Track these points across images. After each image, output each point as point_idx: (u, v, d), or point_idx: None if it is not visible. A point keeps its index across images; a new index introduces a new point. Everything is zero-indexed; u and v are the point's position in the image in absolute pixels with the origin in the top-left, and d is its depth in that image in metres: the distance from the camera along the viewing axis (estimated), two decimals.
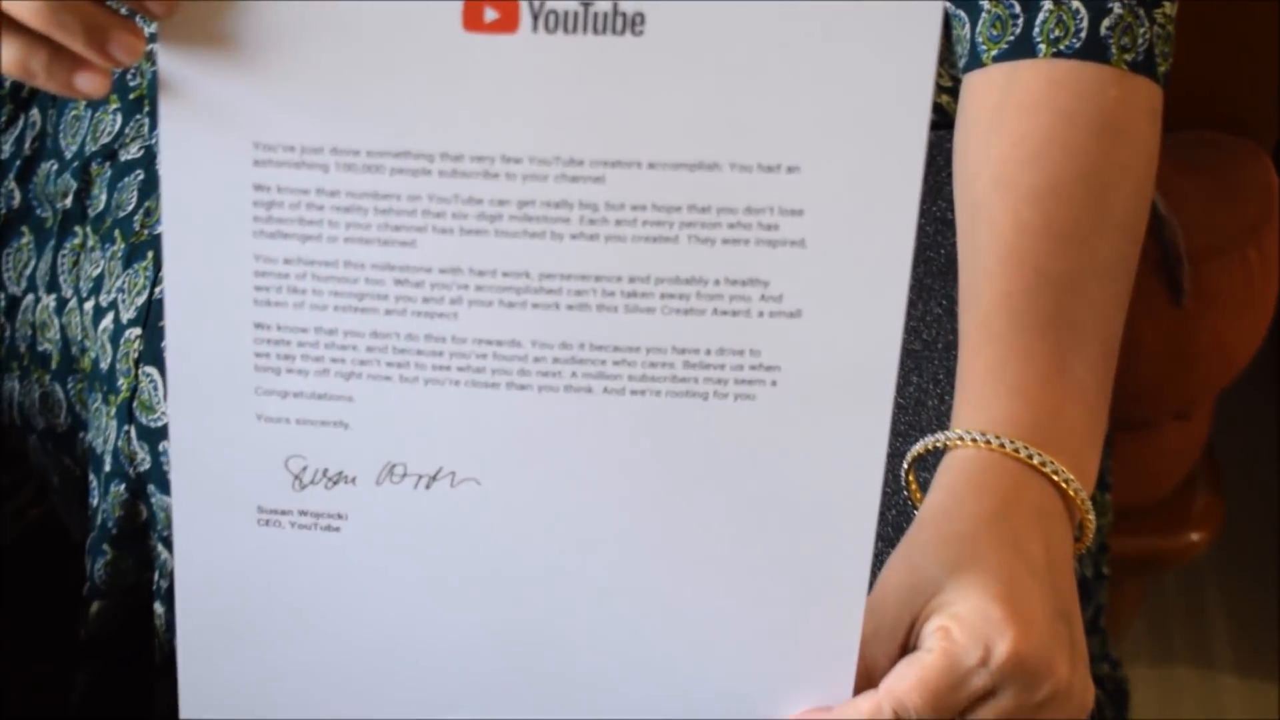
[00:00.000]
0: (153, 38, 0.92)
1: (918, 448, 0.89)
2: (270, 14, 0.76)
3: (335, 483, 0.84)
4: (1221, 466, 1.58)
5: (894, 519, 0.94)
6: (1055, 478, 0.85)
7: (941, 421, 0.96)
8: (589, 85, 0.77)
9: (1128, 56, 0.94)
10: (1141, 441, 1.25)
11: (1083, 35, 0.93)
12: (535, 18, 0.76)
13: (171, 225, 0.80)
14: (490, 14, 0.76)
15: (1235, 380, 1.34)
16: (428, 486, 0.84)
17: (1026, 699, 0.80)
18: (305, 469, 0.84)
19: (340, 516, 0.84)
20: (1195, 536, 1.51)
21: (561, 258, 0.79)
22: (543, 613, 0.85)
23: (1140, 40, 0.94)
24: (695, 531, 0.83)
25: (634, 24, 0.76)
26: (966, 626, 0.80)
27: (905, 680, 0.80)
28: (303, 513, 0.84)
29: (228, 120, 0.78)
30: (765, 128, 0.78)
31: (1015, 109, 0.93)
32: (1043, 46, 0.94)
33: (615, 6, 0.76)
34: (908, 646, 0.82)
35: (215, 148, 0.78)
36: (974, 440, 0.85)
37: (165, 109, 0.78)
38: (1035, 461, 0.85)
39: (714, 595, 0.84)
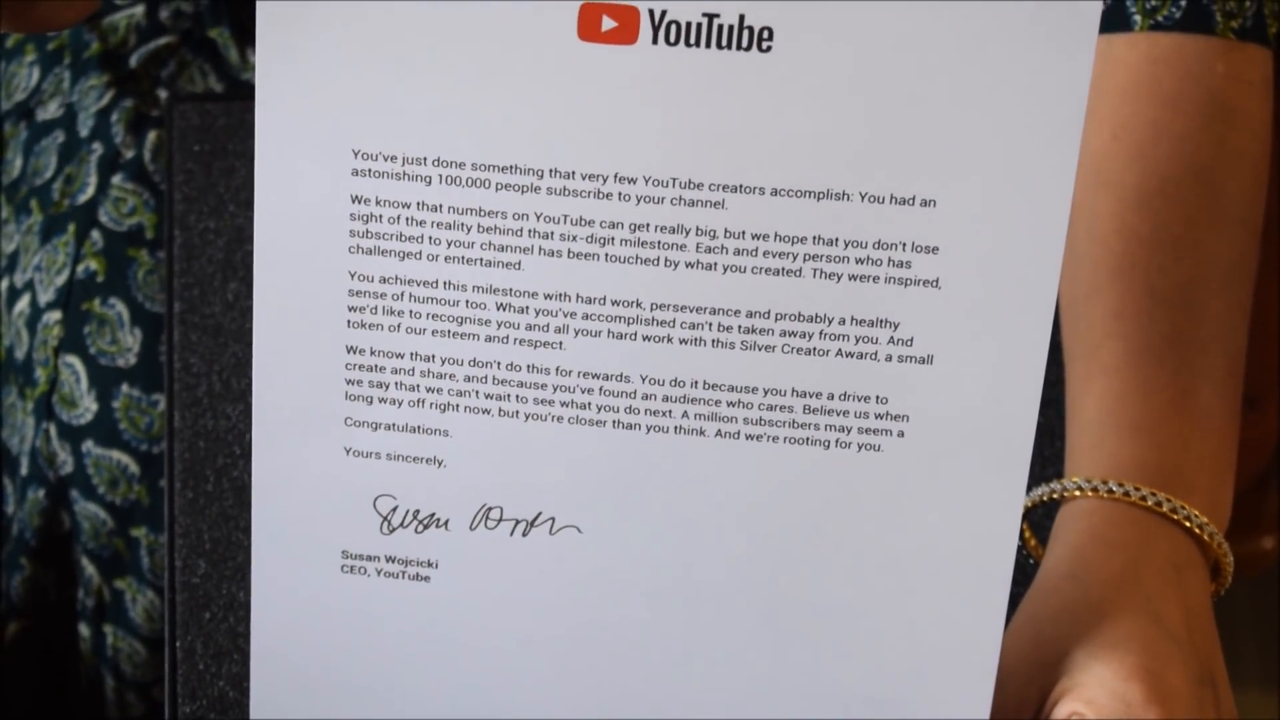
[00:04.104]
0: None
1: (1032, 497, 0.86)
2: (373, 12, 0.77)
3: (426, 526, 0.83)
4: None
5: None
6: (1188, 523, 0.84)
7: (1055, 462, 0.92)
8: (711, 103, 0.78)
9: (1234, 24, 0.91)
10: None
11: (1183, 4, 0.91)
12: (656, 29, 0.77)
13: (264, 238, 0.79)
14: (608, 23, 0.78)
15: None
16: (525, 533, 0.84)
17: None
18: (395, 509, 0.83)
19: (431, 565, 0.84)
20: (1268, 543, 1.50)
21: (676, 287, 0.80)
22: (642, 672, 0.85)
23: (1248, 3, 0.91)
24: (810, 591, 0.84)
25: (761, 39, 0.78)
26: (1104, 711, 0.79)
27: None
28: (390, 559, 0.84)
29: (326, 126, 0.78)
30: (900, 156, 0.78)
31: (1113, 94, 0.90)
32: (1138, 18, 0.92)
33: (742, 19, 0.77)
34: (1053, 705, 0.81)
35: (312, 155, 0.79)
36: (1095, 490, 0.84)
37: (262, 111, 0.78)
38: (1165, 509, 0.84)
39: (830, 661, 0.84)
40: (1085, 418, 0.87)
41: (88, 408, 1.00)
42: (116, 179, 1.01)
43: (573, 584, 0.83)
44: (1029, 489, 0.84)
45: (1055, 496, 0.85)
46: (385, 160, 0.79)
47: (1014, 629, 0.83)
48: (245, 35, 1.03)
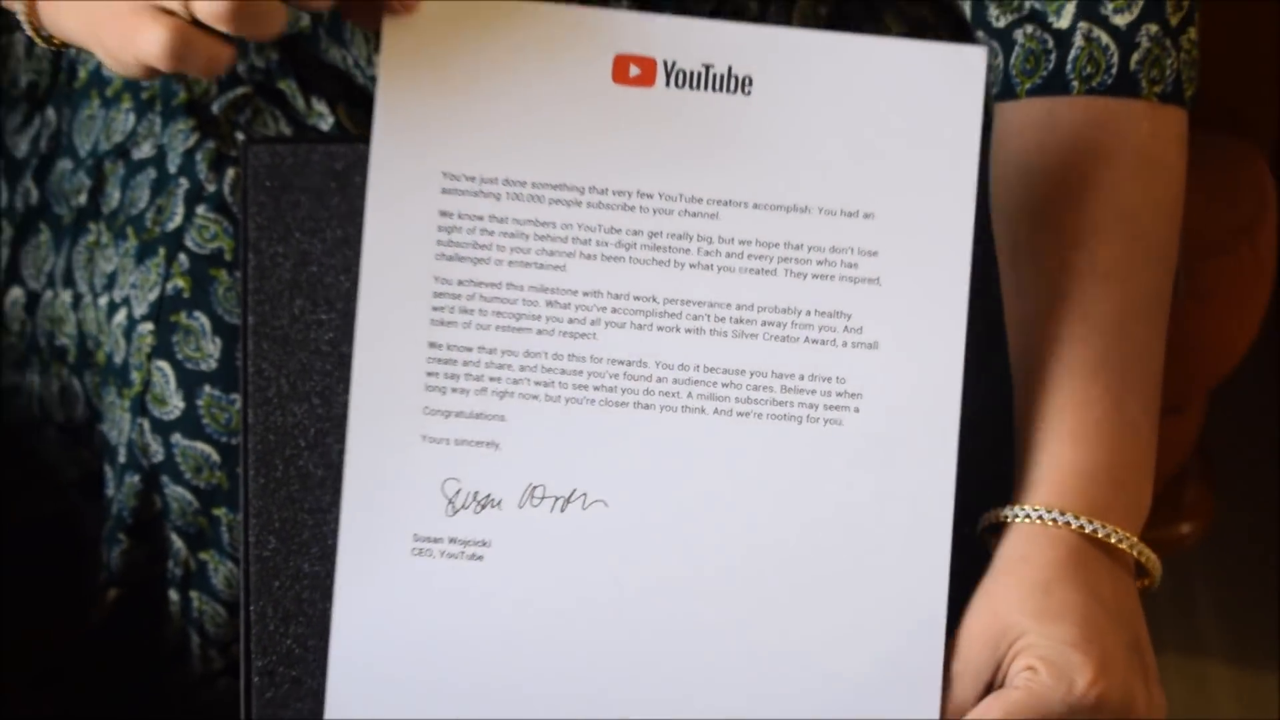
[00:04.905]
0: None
1: (987, 519, 0.90)
2: (467, 62, 0.86)
3: (484, 506, 0.87)
4: (1213, 460, 1.56)
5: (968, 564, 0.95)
6: (1111, 541, 0.87)
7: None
8: (708, 133, 0.87)
9: (1157, 89, 0.93)
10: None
11: (1114, 72, 0.93)
12: (669, 75, 0.87)
13: (371, 248, 0.86)
14: (634, 70, 0.86)
15: (1228, 376, 1.32)
16: (563, 509, 0.87)
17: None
18: (459, 492, 0.86)
19: (485, 544, 0.87)
20: (1186, 528, 1.51)
21: (682, 284, 0.87)
22: (669, 627, 0.88)
23: (1169, 71, 0.93)
24: (792, 546, 0.87)
25: (744, 85, 0.87)
26: (1051, 667, 0.83)
27: (993, 712, 0.83)
28: (452, 540, 0.86)
29: (425, 152, 0.86)
30: (847, 179, 0.87)
31: (1054, 149, 0.92)
32: (1076, 83, 0.93)
33: (730, 70, 0.87)
34: (993, 685, 0.85)
35: (414, 176, 0.86)
36: (1039, 519, 0.87)
37: (379, 140, 0.86)
38: (1099, 535, 0.87)
39: (810, 599, 0.88)
40: (1031, 426, 0.90)
41: (176, 406, 1.00)
42: (200, 209, 1.00)
43: (603, 553, 0.87)
44: (983, 512, 0.90)
45: (1004, 520, 0.89)
46: (466, 180, 0.86)
47: (975, 604, 0.87)
48: (308, 86, 1.04)
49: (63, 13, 0.89)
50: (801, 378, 0.87)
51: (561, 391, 0.87)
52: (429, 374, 0.86)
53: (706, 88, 0.87)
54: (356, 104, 1.04)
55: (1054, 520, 0.87)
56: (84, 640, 1.11)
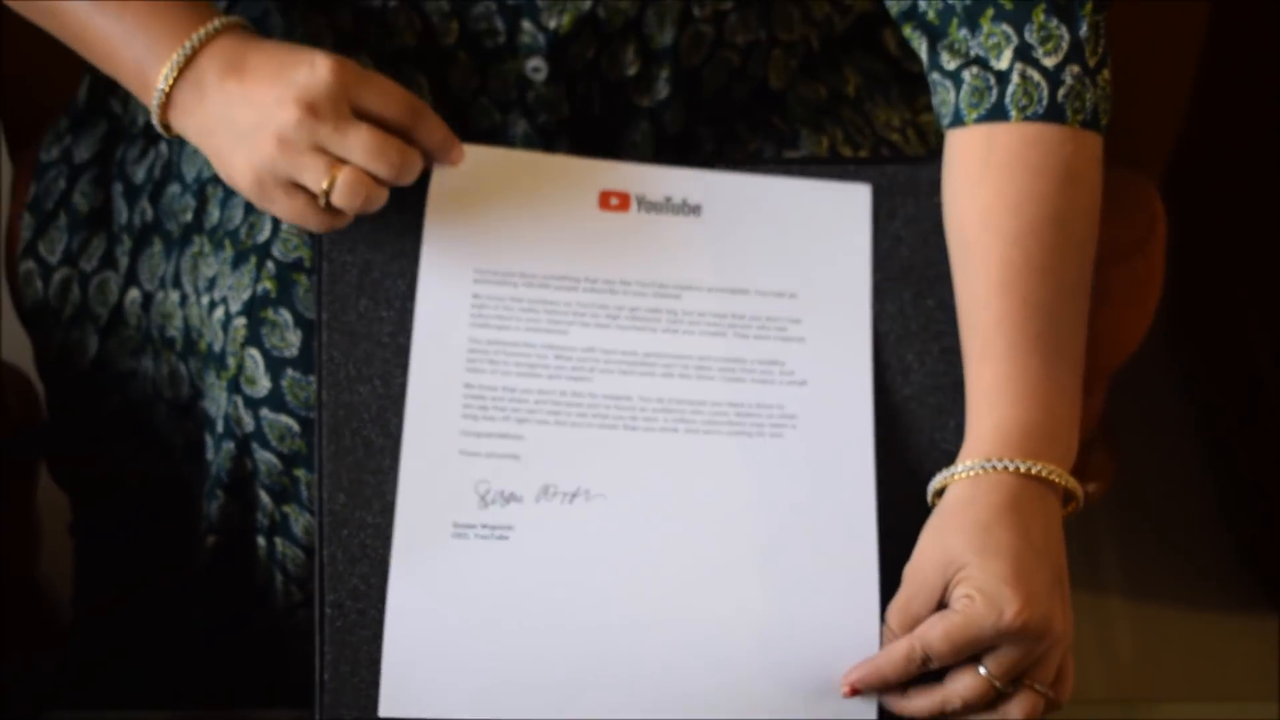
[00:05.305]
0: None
1: (937, 482, 0.93)
2: (493, 193, 0.96)
3: (508, 501, 0.92)
4: (1113, 432, 1.57)
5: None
6: (1047, 476, 0.90)
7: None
8: (672, 242, 0.98)
9: (1079, 116, 0.95)
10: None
11: (1044, 103, 0.95)
12: (639, 203, 0.98)
13: (421, 319, 0.95)
14: (614, 200, 0.97)
15: (1125, 364, 1.33)
16: (570, 501, 0.92)
17: (1030, 650, 0.87)
18: (488, 491, 0.92)
19: (509, 528, 0.92)
20: (1092, 487, 1.51)
21: (656, 343, 0.96)
22: (653, 587, 0.92)
23: (1088, 103, 0.96)
24: (750, 528, 0.93)
25: (696, 209, 0.98)
26: (986, 597, 0.86)
27: (934, 630, 0.87)
28: (484, 525, 0.92)
29: (462, 255, 0.96)
30: (775, 270, 0.98)
31: (997, 166, 0.95)
32: (1014, 112, 0.95)
33: (685, 200, 0.98)
34: (940, 606, 0.89)
35: (453, 272, 0.96)
36: (985, 469, 0.90)
37: (427, 246, 0.96)
38: (1034, 472, 0.90)
39: (766, 568, 0.92)
40: (980, 391, 0.93)
41: (264, 385, 1.01)
42: (284, 225, 1.01)
43: (603, 533, 0.93)
44: (937, 473, 0.93)
45: (952, 480, 0.91)
46: (491, 273, 0.96)
47: (925, 536, 0.91)
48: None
49: (192, 136, 0.96)
50: (750, 405, 0.95)
51: (567, 418, 0.94)
52: (465, 406, 0.94)
53: (667, 212, 0.98)
54: None
55: (995, 467, 0.89)
56: (190, 578, 1.14)
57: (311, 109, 0.90)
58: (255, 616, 1.11)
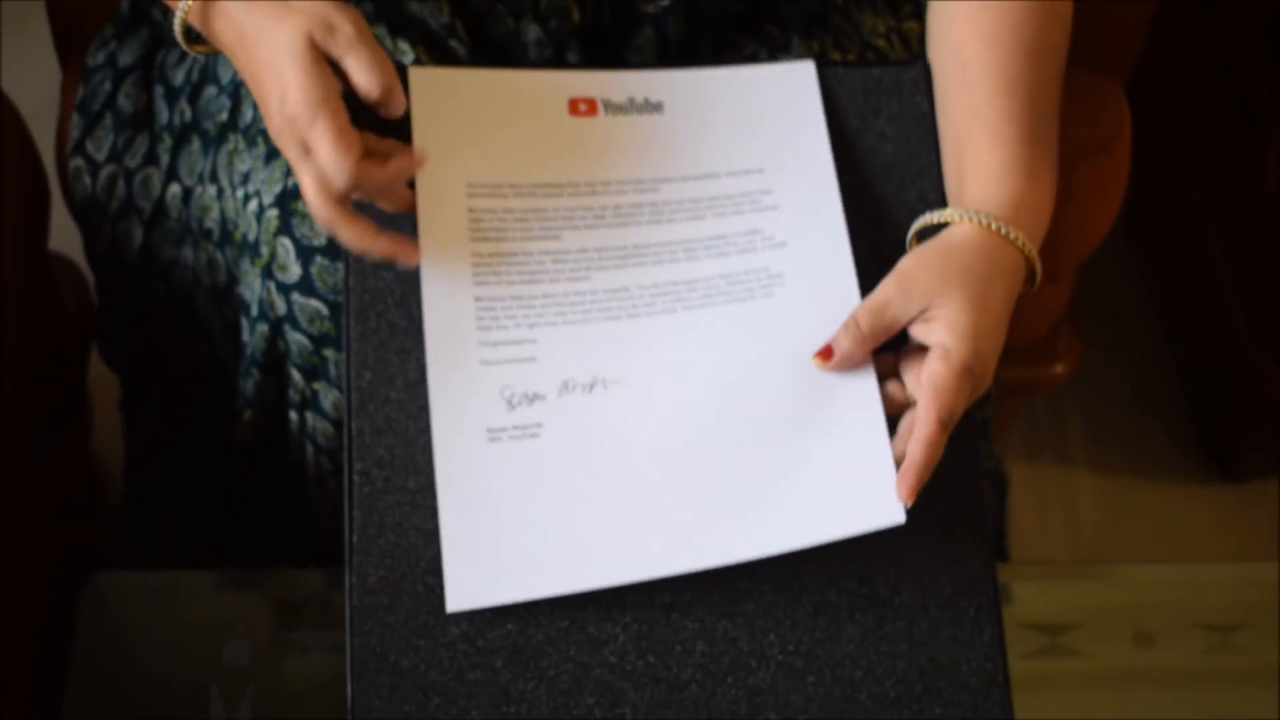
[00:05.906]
0: None
1: (922, 221, 0.94)
2: (472, 109, 0.94)
3: (533, 401, 0.91)
4: (1080, 316, 1.57)
5: None
6: (1018, 246, 0.93)
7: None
8: (641, 139, 0.96)
9: None
10: (1021, 298, 1.25)
11: None
12: (606, 107, 0.96)
13: (425, 236, 0.92)
14: (582, 106, 0.96)
15: (1092, 253, 1.33)
16: (590, 391, 0.91)
17: (977, 389, 0.90)
18: (513, 395, 0.91)
19: (539, 425, 0.91)
20: (1060, 368, 1.52)
21: (643, 235, 0.95)
22: (680, 451, 0.92)
23: None
24: (757, 388, 0.92)
25: (659, 107, 0.97)
26: (956, 354, 0.88)
27: (957, 399, 0.87)
28: (515, 426, 0.91)
29: (454, 170, 0.93)
30: (739, 151, 0.98)
31: (990, 7, 0.99)
32: None
33: (646, 99, 0.97)
34: (918, 319, 0.90)
35: (448, 184, 0.93)
36: (969, 218, 0.92)
37: (421, 174, 0.92)
38: (1010, 236, 0.92)
39: (779, 422, 0.91)
40: (981, 165, 0.95)
41: (295, 272, 1.02)
42: None
43: (624, 416, 0.92)
44: (923, 213, 0.95)
45: (941, 221, 0.93)
46: (482, 186, 0.94)
47: (920, 260, 0.91)
48: (395, 30, 1.05)
49: (227, 50, 0.93)
50: (738, 274, 0.95)
51: (574, 316, 0.93)
52: (479, 318, 0.92)
53: (633, 112, 0.97)
54: (431, 45, 1.05)
55: (1006, 232, 0.91)
56: (229, 451, 1.17)
57: (289, 121, 0.88)
58: (289, 486, 1.13)
